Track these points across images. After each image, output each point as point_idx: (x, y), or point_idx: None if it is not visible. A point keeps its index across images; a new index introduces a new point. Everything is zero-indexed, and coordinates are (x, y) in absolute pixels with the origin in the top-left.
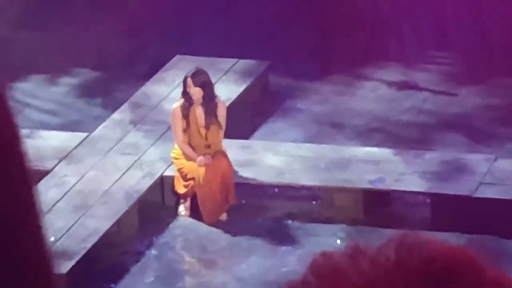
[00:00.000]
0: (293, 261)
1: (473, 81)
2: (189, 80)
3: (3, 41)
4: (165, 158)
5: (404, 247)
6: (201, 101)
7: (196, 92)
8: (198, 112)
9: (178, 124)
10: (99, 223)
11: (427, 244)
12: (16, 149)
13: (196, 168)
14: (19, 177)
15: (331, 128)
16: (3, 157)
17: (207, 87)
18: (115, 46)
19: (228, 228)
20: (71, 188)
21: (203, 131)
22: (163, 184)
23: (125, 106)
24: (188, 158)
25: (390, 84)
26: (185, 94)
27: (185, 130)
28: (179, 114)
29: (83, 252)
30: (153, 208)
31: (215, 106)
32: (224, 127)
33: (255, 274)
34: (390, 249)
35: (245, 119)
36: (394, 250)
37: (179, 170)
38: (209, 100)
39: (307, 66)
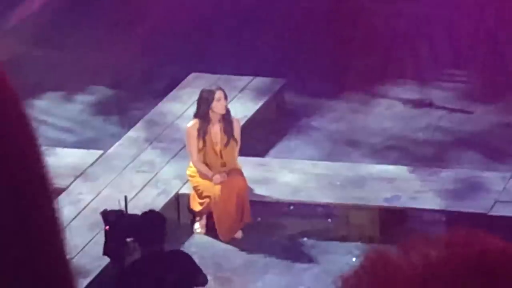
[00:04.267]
0: (308, 279)
1: (489, 99)
2: (220, 93)
3: (20, 59)
4: (180, 176)
5: (455, 241)
6: (222, 115)
7: (224, 106)
8: (214, 130)
9: (193, 143)
10: None
11: (478, 239)
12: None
13: (212, 186)
14: (39, 190)
15: (346, 146)
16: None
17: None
18: (131, 64)
19: (243, 246)
20: (86, 206)
21: (218, 149)
22: (178, 202)
23: (140, 124)
24: (204, 176)
25: (406, 102)
26: (204, 111)
27: (200, 149)
28: (194, 133)
29: (99, 270)
30: (169, 226)
31: (231, 123)
32: (239, 144)
33: None
34: (441, 243)
35: (260, 137)
36: (445, 244)
37: (194, 188)
38: (229, 115)
39: (322, 84)
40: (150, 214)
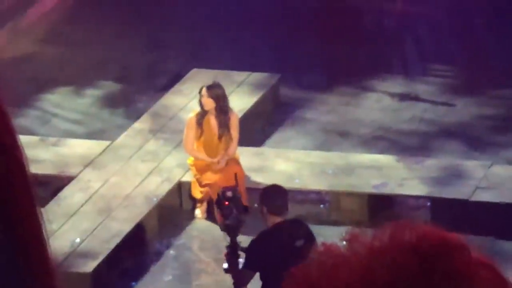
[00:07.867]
0: None
1: (470, 92)
2: (204, 90)
3: (33, 56)
4: (182, 164)
5: (397, 229)
6: (214, 112)
7: (208, 103)
8: (212, 121)
9: (191, 132)
10: (121, 225)
11: (419, 226)
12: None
13: (211, 175)
14: (20, 184)
15: (338, 136)
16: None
17: (220, 100)
18: (136, 60)
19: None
20: (95, 193)
21: (216, 139)
22: (180, 189)
23: (145, 116)
24: (203, 167)
25: (393, 95)
26: (200, 103)
27: (199, 137)
28: (193, 122)
29: (107, 252)
30: (171, 212)
31: (228, 118)
32: (237, 138)
33: None
34: (384, 232)
35: (257, 128)
36: (388, 233)
37: (195, 176)
38: (221, 112)
39: (315, 79)
40: (274, 188)
